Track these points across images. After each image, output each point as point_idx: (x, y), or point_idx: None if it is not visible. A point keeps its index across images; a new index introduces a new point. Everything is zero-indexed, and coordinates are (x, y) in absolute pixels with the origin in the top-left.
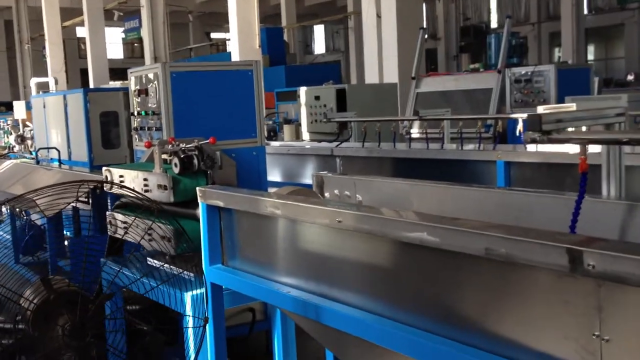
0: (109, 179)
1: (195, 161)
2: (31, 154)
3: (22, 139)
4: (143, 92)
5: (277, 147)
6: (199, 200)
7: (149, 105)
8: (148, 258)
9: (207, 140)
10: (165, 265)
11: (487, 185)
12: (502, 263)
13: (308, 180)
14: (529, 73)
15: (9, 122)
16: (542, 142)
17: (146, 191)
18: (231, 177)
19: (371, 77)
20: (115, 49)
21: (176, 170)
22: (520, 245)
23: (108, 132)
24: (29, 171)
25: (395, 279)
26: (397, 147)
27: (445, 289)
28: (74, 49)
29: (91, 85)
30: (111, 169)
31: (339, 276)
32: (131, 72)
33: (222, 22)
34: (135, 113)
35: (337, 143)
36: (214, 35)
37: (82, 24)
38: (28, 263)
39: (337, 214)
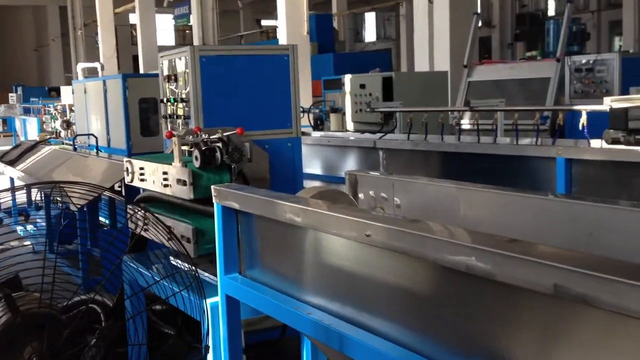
0: (129, 170)
1: (218, 154)
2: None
3: (67, 124)
4: (172, 77)
5: (318, 137)
6: (213, 200)
7: (178, 91)
8: (171, 257)
9: (234, 131)
10: (186, 266)
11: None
12: (576, 304)
13: None
14: (591, 62)
15: (57, 107)
16: (628, 143)
17: (165, 186)
18: (263, 170)
19: (421, 66)
20: (166, 35)
21: (197, 164)
22: (605, 285)
23: (147, 119)
24: (67, 158)
25: (433, 310)
26: (445, 140)
27: (495, 327)
28: (126, 36)
29: (141, 72)
30: (133, 160)
31: (368, 299)
32: (161, 56)
33: (272, 9)
34: (165, 100)
35: (380, 135)
36: (264, 22)
37: (134, 10)
38: (64, 253)
39: (365, 226)
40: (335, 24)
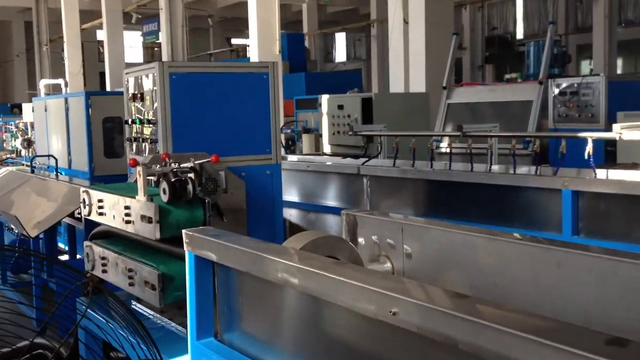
0: (86, 202)
1: (190, 186)
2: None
3: (28, 143)
4: (138, 96)
5: (295, 162)
6: (185, 249)
7: (145, 111)
8: (133, 302)
9: (208, 159)
10: (152, 313)
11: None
12: None
13: (330, 202)
14: (576, 85)
15: (19, 124)
16: None
17: (127, 222)
18: (239, 201)
19: (396, 87)
20: (134, 52)
21: (165, 198)
22: None
23: (112, 140)
24: (24, 180)
25: None
26: (435, 166)
27: None
28: (93, 53)
29: (108, 90)
30: (90, 190)
31: None
32: (127, 73)
33: (243, 27)
34: (130, 121)
35: (364, 160)
36: (234, 41)
37: (101, 26)
38: (15, 284)
39: (390, 301)
40: (306, 44)
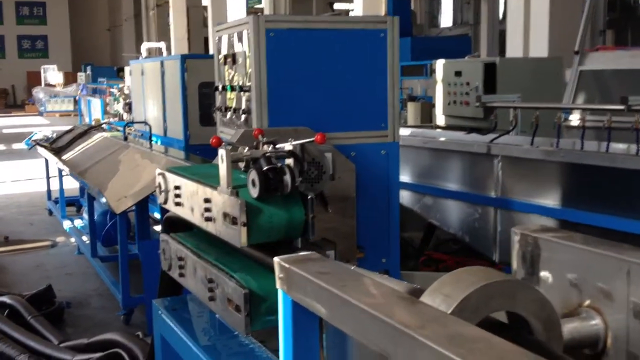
0: (162, 187)
1: (288, 177)
2: (128, 125)
3: (129, 108)
4: (230, 58)
5: (408, 137)
6: (277, 286)
7: (238, 77)
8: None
9: (312, 138)
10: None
11: None
12: None
13: (451, 184)
14: None
15: (122, 88)
16: None
17: (207, 219)
18: (348, 187)
19: (514, 52)
20: (239, 17)
21: (254, 192)
22: None
23: (208, 106)
24: (114, 149)
25: None
26: (587, 147)
27: None
28: (198, 18)
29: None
30: (167, 173)
31: None
32: (217, 30)
33: None
34: (220, 88)
35: (493, 136)
36: (337, 6)
37: None
38: (107, 257)
39: None
40: (412, 6)
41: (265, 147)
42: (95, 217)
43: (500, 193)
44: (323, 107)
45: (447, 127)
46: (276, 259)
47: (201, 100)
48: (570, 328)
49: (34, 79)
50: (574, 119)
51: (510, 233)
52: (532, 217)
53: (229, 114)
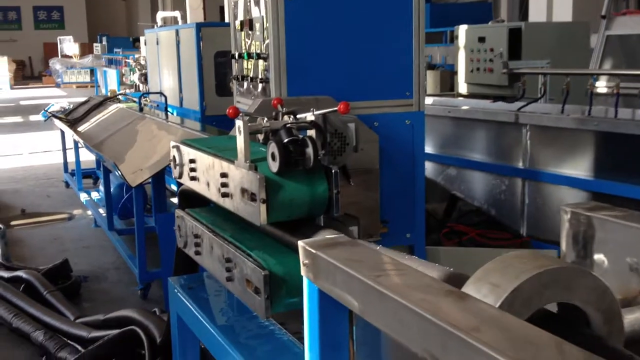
0: (177, 161)
1: (310, 149)
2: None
3: (145, 78)
4: (247, 24)
5: (431, 105)
6: (302, 272)
7: (255, 44)
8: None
9: (335, 108)
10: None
11: None
12: None
13: (476, 155)
14: None
15: (137, 58)
16: None
17: (224, 195)
18: (371, 159)
19: (536, 17)
20: None
21: (274, 166)
22: None
23: (224, 76)
24: (130, 120)
25: None
26: (620, 115)
27: None
28: None
29: None
30: (181, 146)
31: None
32: None
33: None
34: (236, 55)
35: (520, 104)
36: None
37: None
38: (124, 230)
39: None
40: None
41: (286, 117)
42: (112, 190)
43: (528, 164)
44: (345, 74)
45: (470, 95)
46: (301, 244)
47: (217, 69)
48: (631, 319)
49: (51, 50)
50: (600, 85)
51: (538, 205)
52: (562, 189)
53: (245, 83)
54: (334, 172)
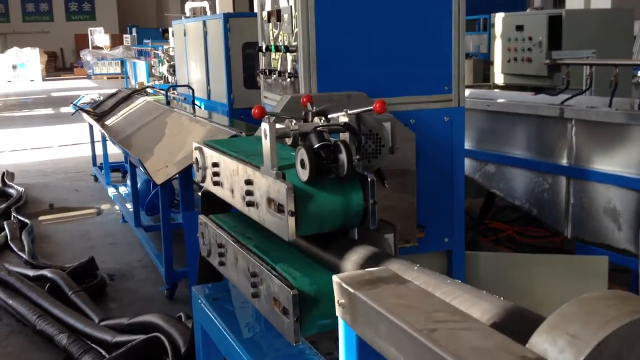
0: (199, 164)
1: (344, 156)
2: (171, 89)
3: (174, 70)
4: (274, 14)
5: (468, 98)
6: (338, 314)
7: (283, 35)
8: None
9: (370, 107)
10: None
11: None
12: None
13: (517, 151)
14: None
15: (167, 49)
16: None
17: (249, 204)
18: (408, 159)
19: (574, 2)
20: None
21: (304, 174)
22: None
23: (252, 68)
24: (156, 114)
25: None
26: None
27: None
28: None
29: None
30: (204, 148)
31: None
32: None
33: None
34: (264, 48)
35: (563, 97)
36: None
37: None
38: (151, 227)
39: None
40: None
41: (316, 119)
42: (139, 185)
43: (574, 161)
44: (378, 68)
45: (506, 87)
46: (336, 280)
47: (245, 61)
48: None
49: (82, 41)
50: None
51: (584, 205)
52: (610, 188)
53: (273, 77)
54: (370, 180)
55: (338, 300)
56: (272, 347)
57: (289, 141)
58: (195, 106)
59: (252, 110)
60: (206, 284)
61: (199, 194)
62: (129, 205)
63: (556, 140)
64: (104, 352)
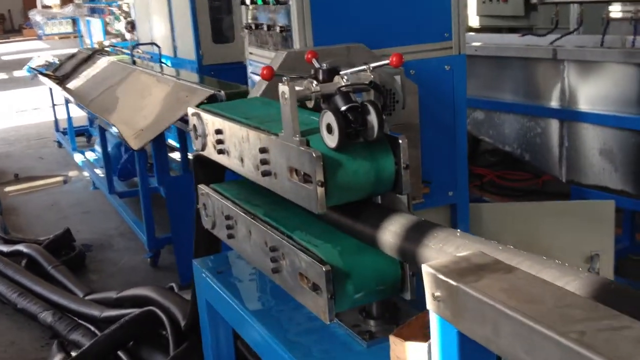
0: (198, 131)
1: (374, 117)
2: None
3: (132, 26)
4: None
5: None
6: (430, 309)
7: None
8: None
9: (387, 61)
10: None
11: None
12: None
13: (507, 96)
14: None
15: (121, 6)
16: None
17: (265, 174)
18: (412, 113)
19: None
20: None
21: (332, 140)
22: None
23: (219, 21)
24: (123, 76)
25: None
26: None
27: None
28: None
29: None
30: (202, 113)
31: None
32: None
33: None
34: (247, 1)
35: (554, 37)
36: None
37: None
38: (125, 193)
39: None
40: None
41: (337, 78)
42: (109, 149)
43: (567, 103)
44: (375, 17)
45: (482, 29)
46: (429, 270)
47: (213, 14)
48: None
49: (30, 1)
50: (614, 10)
51: (578, 148)
52: (605, 130)
53: (261, 32)
54: (400, 143)
55: (432, 293)
56: (293, 320)
57: (309, 104)
58: (163, 65)
59: (261, 71)
60: (205, 256)
61: (170, 155)
62: (98, 171)
63: (548, 83)
64: (93, 328)
